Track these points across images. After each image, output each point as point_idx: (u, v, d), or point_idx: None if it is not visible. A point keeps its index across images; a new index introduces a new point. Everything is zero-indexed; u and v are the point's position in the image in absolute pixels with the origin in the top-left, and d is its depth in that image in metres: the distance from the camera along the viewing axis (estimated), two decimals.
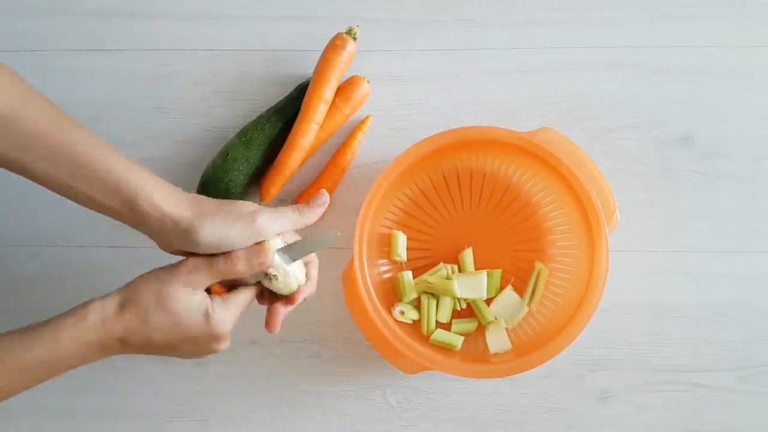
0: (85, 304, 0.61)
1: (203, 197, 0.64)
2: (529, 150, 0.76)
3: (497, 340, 0.79)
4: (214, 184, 0.80)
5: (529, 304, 0.80)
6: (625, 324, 0.83)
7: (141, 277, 0.63)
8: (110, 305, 0.61)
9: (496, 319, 0.80)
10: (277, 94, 0.85)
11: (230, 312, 0.63)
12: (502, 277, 0.81)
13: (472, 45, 0.86)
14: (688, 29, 0.86)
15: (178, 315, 0.61)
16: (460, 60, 0.85)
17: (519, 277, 0.82)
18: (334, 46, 0.81)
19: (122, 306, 0.61)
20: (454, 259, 0.82)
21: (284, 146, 0.81)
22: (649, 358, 0.82)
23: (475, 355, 0.78)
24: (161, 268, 0.63)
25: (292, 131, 0.81)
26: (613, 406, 0.82)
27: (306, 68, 0.85)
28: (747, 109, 0.85)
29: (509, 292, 0.80)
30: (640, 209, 0.83)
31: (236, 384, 0.83)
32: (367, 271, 0.75)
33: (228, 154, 0.80)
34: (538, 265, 0.81)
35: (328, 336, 0.83)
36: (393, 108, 0.85)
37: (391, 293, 0.81)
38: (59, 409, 0.83)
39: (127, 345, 0.61)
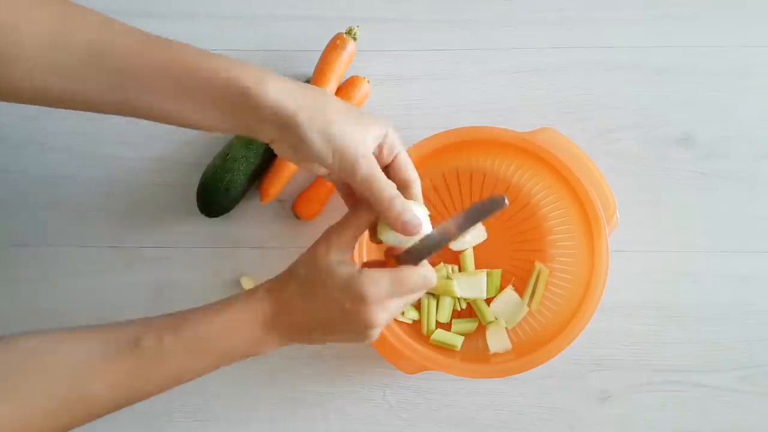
0: (252, 288, 0.62)
1: (323, 92, 0.59)
2: (529, 150, 0.76)
3: (497, 340, 0.79)
4: (214, 184, 0.80)
5: (529, 304, 0.80)
6: (625, 324, 0.83)
7: (300, 256, 0.62)
8: (271, 282, 0.62)
9: (496, 319, 0.80)
10: None
11: (378, 283, 0.58)
12: (502, 277, 0.81)
13: (472, 45, 0.86)
14: (689, 29, 0.86)
15: (329, 283, 0.59)
16: (461, 60, 0.85)
17: (519, 277, 0.82)
18: (334, 46, 0.81)
19: (281, 280, 0.62)
20: (454, 259, 0.82)
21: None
22: (649, 358, 0.82)
23: (475, 355, 0.78)
24: (318, 242, 0.62)
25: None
26: (613, 406, 0.82)
27: (306, 68, 0.85)
28: (747, 109, 0.85)
29: (509, 292, 0.80)
30: (640, 209, 0.83)
31: (236, 384, 0.83)
32: None
33: (228, 154, 0.80)
34: (538, 265, 0.81)
35: None
36: (393, 108, 0.85)
37: None
38: None
39: (286, 323, 0.61)
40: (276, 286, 0.61)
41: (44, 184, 0.84)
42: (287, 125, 0.57)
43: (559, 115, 0.85)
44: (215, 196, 0.80)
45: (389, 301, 0.59)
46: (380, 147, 0.61)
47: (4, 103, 0.84)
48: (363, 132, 0.59)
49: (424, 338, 0.79)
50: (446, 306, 0.80)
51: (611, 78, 0.85)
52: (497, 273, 0.81)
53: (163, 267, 0.84)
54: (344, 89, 0.83)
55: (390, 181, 0.60)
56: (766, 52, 0.85)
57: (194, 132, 0.85)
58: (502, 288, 0.81)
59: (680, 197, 0.84)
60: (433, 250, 0.61)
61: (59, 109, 0.85)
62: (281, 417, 0.83)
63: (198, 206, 0.81)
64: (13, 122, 0.85)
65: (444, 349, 0.78)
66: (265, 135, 0.59)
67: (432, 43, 0.86)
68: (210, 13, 0.86)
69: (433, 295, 0.80)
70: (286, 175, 0.82)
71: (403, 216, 0.59)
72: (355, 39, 0.81)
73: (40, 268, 0.84)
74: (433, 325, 0.79)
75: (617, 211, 0.78)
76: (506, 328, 0.80)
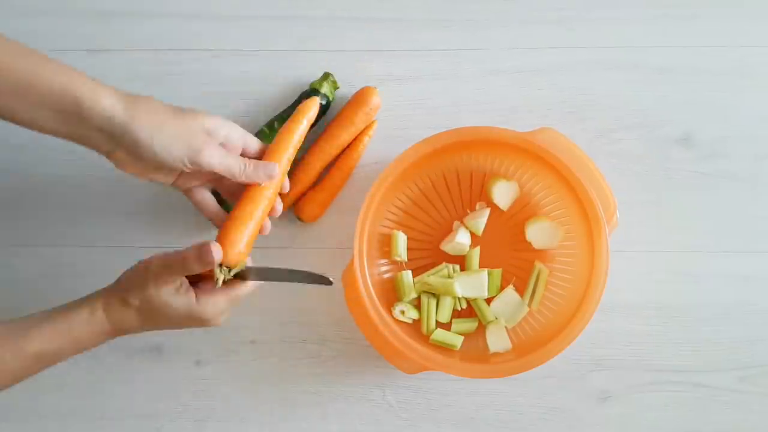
0: (90, 299, 0.66)
1: (150, 99, 0.64)
2: (529, 150, 0.76)
3: (497, 340, 0.79)
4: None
5: (529, 304, 0.80)
6: (625, 324, 0.83)
7: (126, 278, 0.67)
8: (113, 304, 0.66)
9: (496, 318, 0.80)
10: (277, 94, 0.85)
11: (217, 303, 0.67)
12: (502, 276, 0.81)
13: (473, 45, 0.86)
14: (689, 29, 0.85)
15: (170, 314, 0.66)
16: (461, 60, 0.85)
17: (519, 277, 0.82)
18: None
19: (122, 305, 0.66)
20: (454, 258, 0.82)
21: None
22: (650, 358, 0.82)
23: (475, 354, 0.78)
24: (137, 270, 0.66)
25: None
26: (613, 406, 0.82)
27: (306, 68, 0.85)
28: (748, 109, 0.85)
29: (510, 292, 0.80)
30: (640, 209, 0.83)
31: (236, 384, 0.83)
32: (367, 271, 0.75)
33: None
34: (538, 265, 0.81)
35: (328, 336, 0.83)
36: (394, 108, 0.85)
37: (391, 293, 0.81)
38: (60, 410, 0.83)
39: (131, 333, 0.67)
40: (115, 316, 0.65)
41: (44, 184, 0.84)
42: (122, 133, 0.62)
43: (559, 115, 0.85)
44: (223, 204, 0.80)
45: (228, 311, 0.69)
46: (225, 143, 0.68)
47: None
48: (197, 125, 0.65)
49: (424, 338, 0.79)
50: (446, 306, 0.80)
51: (612, 78, 0.85)
52: (497, 273, 0.81)
53: None
54: (357, 104, 0.82)
55: (233, 156, 0.67)
56: (766, 51, 0.85)
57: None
58: (502, 288, 0.81)
59: (681, 197, 0.84)
60: (262, 279, 0.69)
61: None
62: (281, 417, 0.83)
63: None
64: None
65: (444, 348, 0.78)
66: (101, 145, 0.63)
67: (432, 43, 0.86)
68: (210, 14, 0.86)
69: (434, 294, 0.80)
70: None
71: (256, 176, 0.68)
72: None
73: (40, 268, 0.84)
74: (433, 324, 0.79)
75: (617, 211, 0.78)
76: (506, 327, 0.80)
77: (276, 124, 0.81)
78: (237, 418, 0.83)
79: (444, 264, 0.81)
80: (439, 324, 0.80)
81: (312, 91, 0.82)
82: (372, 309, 0.75)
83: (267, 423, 0.83)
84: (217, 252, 0.64)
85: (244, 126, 0.83)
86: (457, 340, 0.78)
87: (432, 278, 0.79)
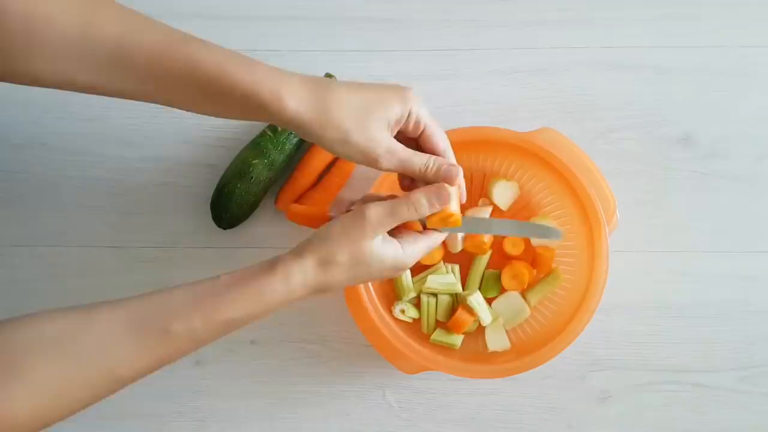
0: (281, 264, 0.61)
1: (337, 90, 0.61)
2: (529, 150, 0.76)
3: (496, 339, 0.79)
4: (230, 191, 0.80)
5: (529, 304, 0.80)
6: (625, 324, 0.83)
7: (330, 234, 0.62)
8: (309, 267, 0.61)
9: (496, 318, 0.80)
10: None
11: (419, 250, 0.64)
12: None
13: (473, 45, 0.86)
14: (689, 29, 0.85)
15: (374, 265, 0.62)
16: (461, 60, 0.85)
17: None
18: None
19: (322, 265, 0.62)
20: (454, 258, 0.82)
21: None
22: (649, 358, 0.82)
23: (474, 354, 0.78)
24: (348, 222, 0.62)
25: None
26: (613, 406, 0.82)
27: (306, 68, 0.85)
28: (748, 109, 0.85)
29: (514, 294, 0.80)
30: (640, 209, 0.83)
31: (236, 384, 0.83)
32: None
33: (249, 174, 0.80)
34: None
35: (328, 336, 0.83)
36: None
37: (391, 293, 0.81)
38: None
39: (327, 292, 0.63)
40: (317, 278, 0.62)
41: (45, 184, 0.84)
42: (307, 135, 0.61)
43: (559, 115, 0.85)
44: (229, 204, 0.80)
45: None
46: (406, 124, 0.63)
47: (7, 103, 0.85)
48: (380, 124, 0.61)
49: (424, 338, 0.79)
50: (446, 305, 0.80)
51: (612, 78, 0.85)
52: (497, 273, 0.81)
53: (163, 267, 0.84)
54: None
55: (417, 154, 0.63)
56: (766, 52, 0.85)
57: (195, 132, 0.85)
58: (502, 289, 0.81)
59: (681, 197, 0.84)
60: (467, 231, 0.69)
61: (60, 110, 0.86)
62: (281, 417, 0.83)
63: (212, 218, 0.82)
64: (14, 122, 0.85)
65: (444, 348, 0.78)
66: (298, 134, 0.62)
67: (432, 43, 0.86)
68: (210, 14, 0.86)
69: (433, 294, 0.80)
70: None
71: (439, 175, 0.63)
72: None
73: (40, 268, 0.84)
74: (433, 323, 0.79)
75: (617, 211, 0.78)
76: (505, 327, 0.80)
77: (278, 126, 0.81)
78: (237, 418, 0.83)
79: (441, 263, 0.81)
80: (439, 323, 0.80)
81: None
82: (372, 309, 0.75)
83: (267, 423, 0.83)
84: (453, 190, 0.63)
85: (244, 128, 0.84)
86: (457, 340, 0.78)
87: (430, 277, 0.79)
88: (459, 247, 0.76)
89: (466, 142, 0.77)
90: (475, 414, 0.83)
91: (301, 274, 0.61)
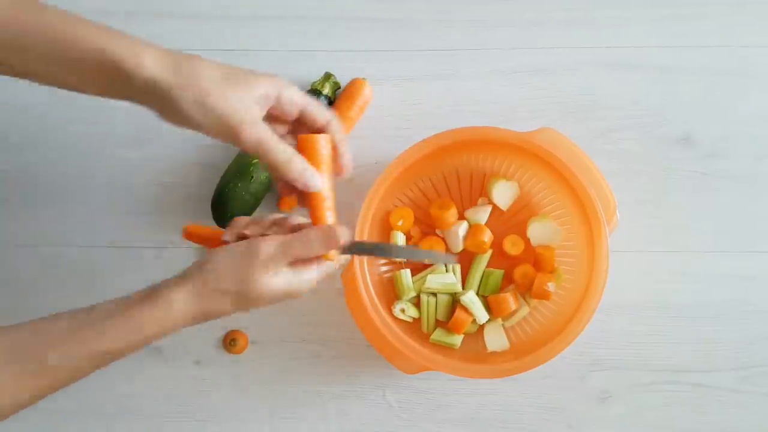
0: (164, 292, 0.60)
1: (199, 60, 0.59)
2: (529, 150, 0.76)
3: (495, 339, 0.79)
4: (230, 191, 0.80)
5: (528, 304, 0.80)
6: (625, 324, 0.83)
7: (218, 266, 0.60)
8: (193, 296, 0.60)
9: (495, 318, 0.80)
10: None
11: (313, 279, 0.63)
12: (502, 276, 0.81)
13: (473, 45, 0.86)
14: (691, 29, 0.85)
15: (264, 297, 0.61)
16: (461, 60, 0.85)
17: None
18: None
19: (207, 296, 0.60)
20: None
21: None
22: (649, 358, 0.82)
23: (474, 354, 0.78)
24: (238, 255, 0.60)
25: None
26: (613, 406, 0.82)
27: (306, 68, 0.85)
28: (748, 109, 0.85)
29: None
30: (640, 209, 0.83)
31: (236, 384, 0.83)
32: (366, 271, 0.76)
33: (249, 175, 0.80)
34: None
35: (328, 336, 0.83)
36: (394, 108, 0.85)
37: (391, 292, 0.81)
38: (61, 409, 0.83)
39: (213, 319, 0.62)
40: (203, 307, 0.60)
41: (45, 184, 0.84)
42: (163, 99, 0.57)
43: (559, 115, 0.85)
44: (232, 203, 0.80)
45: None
46: (276, 107, 0.61)
47: (8, 102, 0.85)
48: (245, 98, 0.59)
49: (424, 337, 0.79)
50: (446, 305, 0.80)
51: (612, 78, 0.85)
52: (498, 273, 0.81)
53: (163, 267, 0.84)
54: (348, 95, 0.82)
55: (284, 144, 0.60)
56: (766, 52, 0.85)
57: (195, 132, 0.85)
58: (502, 288, 0.81)
59: (681, 197, 0.84)
60: (369, 255, 0.67)
61: (60, 110, 0.85)
62: (281, 417, 0.83)
63: (213, 218, 0.82)
64: (14, 122, 0.85)
65: (443, 348, 0.78)
66: (148, 105, 0.59)
67: (432, 43, 0.86)
68: (210, 14, 0.86)
69: (434, 294, 0.80)
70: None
71: (302, 178, 0.61)
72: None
73: (40, 268, 0.84)
74: (433, 323, 0.80)
75: (617, 211, 0.78)
76: (504, 327, 0.80)
77: None
78: (237, 418, 0.83)
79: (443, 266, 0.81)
80: (439, 323, 0.80)
81: (313, 92, 0.82)
82: (372, 309, 0.75)
83: (267, 423, 0.83)
84: (344, 234, 0.61)
85: None
86: (457, 340, 0.78)
87: (430, 277, 0.79)
88: (460, 247, 0.76)
89: (466, 142, 0.77)
90: (474, 414, 0.83)
91: (183, 303, 0.59)
